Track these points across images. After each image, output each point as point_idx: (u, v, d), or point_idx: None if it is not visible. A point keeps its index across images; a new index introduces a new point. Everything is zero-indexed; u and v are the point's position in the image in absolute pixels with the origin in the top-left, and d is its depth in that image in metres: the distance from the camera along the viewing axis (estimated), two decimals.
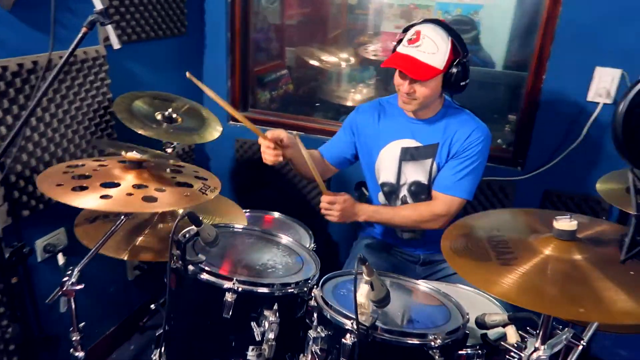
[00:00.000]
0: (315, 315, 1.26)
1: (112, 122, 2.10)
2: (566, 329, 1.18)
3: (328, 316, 1.20)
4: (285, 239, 1.57)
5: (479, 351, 1.30)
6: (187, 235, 1.15)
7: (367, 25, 2.95)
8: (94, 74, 1.99)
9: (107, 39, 1.57)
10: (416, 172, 1.81)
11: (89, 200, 1.21)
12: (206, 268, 1.25)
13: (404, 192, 1.85)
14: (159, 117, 1.97)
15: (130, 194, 1.26)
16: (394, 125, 1.84)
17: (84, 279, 1.67)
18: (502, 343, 1.36)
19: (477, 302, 1.62)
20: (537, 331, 1.11)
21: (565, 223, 0.99)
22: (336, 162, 1.98)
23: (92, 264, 1.43)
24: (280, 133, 1.67)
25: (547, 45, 2.15)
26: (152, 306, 2.47)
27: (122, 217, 1.38)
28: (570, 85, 2.16)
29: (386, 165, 1.85)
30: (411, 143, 1.80)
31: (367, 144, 1.89)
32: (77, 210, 1.82)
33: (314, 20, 3.12)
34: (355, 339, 1.11)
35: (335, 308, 1.19)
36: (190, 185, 1.37)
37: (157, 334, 1.39)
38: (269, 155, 1.65)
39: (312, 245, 1.92)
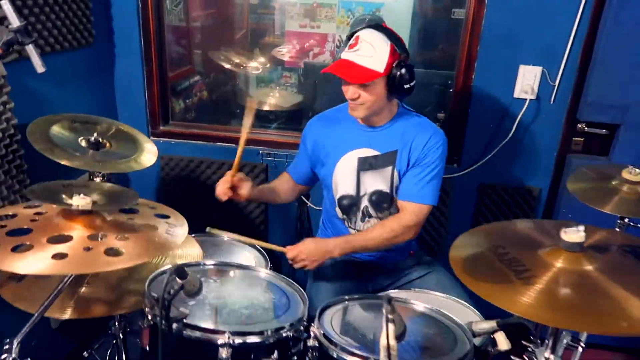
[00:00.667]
0: (314, 354, 1.16)
1: (20, 151, 1.80)
2: (564, 332, 1.21)
3: (335, 355, 1.11)
4: (263, 272, 1.44)
5: None
6: (172, 291, 0.99)
7: (271, 25, 2.87)
8: None
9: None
10: (376, 182, 1.76)
11: (38, 263, 0.99)
12: (193, 323, 1.09)
13: (364, 202, 1.80)
14: (83, 143, 1.71)
15: (88, 248, 1.06)
16: (348, 136, 1.78)
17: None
18: (492, 349, 1.38)
19: (450, 306, 1.63)
20: (546, 341, 1.12)
21: (574, 235, 1.00)
22: (303, 180, 1.94)
23: (8, 317, 1.24)
24: (245, 185, 1.74)
25: (475, 46, 2.23)
26: (85, 354, 2.18)
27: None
28: (498, 84, 2.26)
29: (344, 177, 1.79)
30: (368, 152, 1.75)
31: (322, 157, 1.83)
32: None
33: (219, 22, 2.98)
34: None
35: (346, 348, 1.11)
36: (155, 228, 1.20)
37: None
38: (220, 189, 1.72)
39: (270, 266, 1.81)
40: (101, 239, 1.10)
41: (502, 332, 1.36)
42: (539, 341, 1.16)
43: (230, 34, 2.98)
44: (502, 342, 1.34)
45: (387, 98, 1.67)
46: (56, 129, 1.68)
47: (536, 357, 1.12)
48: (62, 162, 1.57)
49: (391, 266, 1.92)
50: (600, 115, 2.20)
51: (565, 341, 1.16)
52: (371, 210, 1.80)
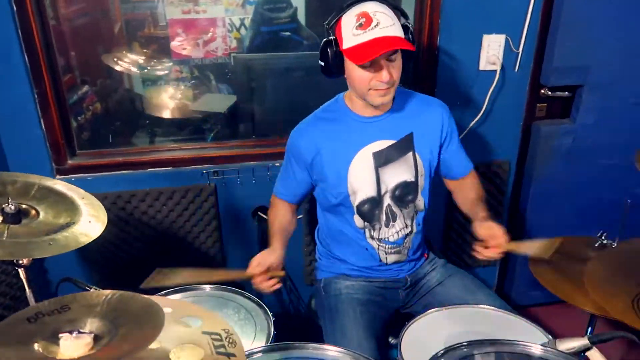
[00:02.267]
0: None
1: None
2: None
3: None
4: (331, 350, 1.09)
5: None
6: None
7: (149, 15, 2.45)
8: None
9: None
10: (399, 174, 1.57)
11: None
12: None
13: (387, 201, 1.58)
14: None
15: None
16: (353, 134, 1.55)
17: None
18: None
19: (505, 320, 1.46)
20: None
21: None
22: (300, 200, 1.73)
23: None
24: (266, 260, 1.49)
25: (436, 20, 2.03)
26: None
27: None
28: (463, 57, 2.10)
29: (361, 180, 1.55)
30: (383, 144, 1.55)
31: (328, 167, 1.55)
32: None
33: (93, 18, 2.44)
34: None
35: None
36: (200, 345, 0.80)
37: None
38: (268, 288, 1.47)
39: (272, 318, 1.49)
40: None
41: (596, 349, 1.21)
42: None
43: (107, 30, 2.47)
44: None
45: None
46: None
47: None
48: None
49: (411, 277, 1.71)
50: (563, 78, 2.14)
51: None
52: (395, 209, 1.58)
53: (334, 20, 1.44)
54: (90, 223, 1.28)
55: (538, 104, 2.25)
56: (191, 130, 2.40)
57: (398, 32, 1.39)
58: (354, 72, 1.44)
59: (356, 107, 1.57)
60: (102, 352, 0.71)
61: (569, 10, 2.00)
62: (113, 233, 2.08)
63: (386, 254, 1.65)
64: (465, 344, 1.12)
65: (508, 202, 2.41)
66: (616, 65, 2.11)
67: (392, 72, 1.41)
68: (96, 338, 0.74)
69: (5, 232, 1.18)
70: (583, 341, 1.20)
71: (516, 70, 2.14)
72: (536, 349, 1.12)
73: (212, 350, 0.80)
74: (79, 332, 0.72)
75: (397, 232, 1.62)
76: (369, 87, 1.43)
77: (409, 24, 1.46)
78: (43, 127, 1.92)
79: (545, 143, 2.22)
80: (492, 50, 2.08)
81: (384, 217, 1.60)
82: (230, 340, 0.83)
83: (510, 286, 2.54)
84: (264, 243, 2.21)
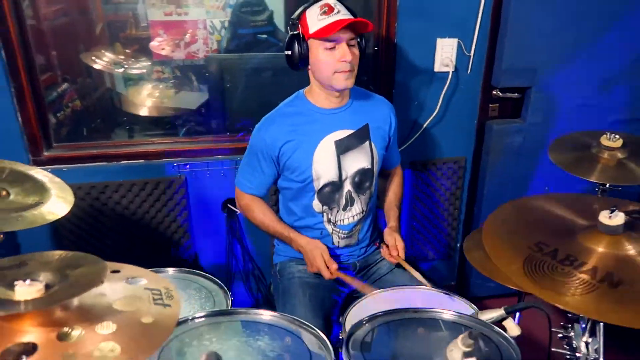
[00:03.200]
0: None
1: None
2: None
3: None
4: (267, 314, 1.22)
5: None
6: None
7: (131, 16, 2.55)
8: None
9: None
10: (357, 160, 1.74)
11: None
12: None
13: (347, 187, 1.74)
14: None
15: (68, 356, 0.76)
16: (315, 125, 1.70)
17: None
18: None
19: (440, 298, 1.58)
20: (582, 324, 1.10)
21: (614, 219, 0.97)
22: (267, 192, 1.86)
23: None
24: (325, 251, 1.70)
25: (393, 23, 2.17)
26: None
27: None
28: (419, 59, 2.24)
29: (323, 165, 1.69)
30: (343, 133, 1.71)
31: (294, 156, 1.69)
32: None
33: (73, 18, 2.54)
34: None
35: None
36: (139, 298, 0.92)
37: None
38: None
39: (230, 297, 1.60)
40: (78, 336, 0.80)
41: (511, 318, 1.34)
42: (569, 326, 1.14)
43: (88, 30, 2.57)
44: (513, 329, 1.32)
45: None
46: None
47: (577, 346, 1.09)
48: None
49: (360, 263, 1.85)
50: (512, 80, 2.30)
51: (602, 323, 1.14)
52: (354, 195, 1.74)
53: (299, 14, 1.60)
54: (60, 201, 1.39)
55: (490, 104, 2.40)
56: (165, 126, 2.51)
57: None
58: (319, 57, 1.59)
59: (317, 100, 1.71)
60: (51, 296, 0.83)
61: (516, 17, 2.15)
62: (87, 223, 2.19)
63: (339, 238, 1.78)
64: (381, 313, 1.24)
65: (466, 195, 2.55)
66: (562, 68, 2.27)
67: (353, 51, 1.58)
68: (47, 286, 0.85)
69: None
70: (500, 312, 1.33)
71: (469, 72, 2.29)
72: (447, 315, 1.25)
73: (150, 301, 0.92)
74: (32, 280, 0.84)
75: (353, 217, 1.76)
76: (334, 70, 1.59)
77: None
78: (20, 119, 2.03)
79: (497, 141, 2.37)
80: (445, 53, 2.22)
81: (343, 201, 1.74)
82: (169, 295, 0.95)
83: (469, 279, 2.67)
84: (232, 233, 2.34)
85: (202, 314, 1.22)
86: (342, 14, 1.55)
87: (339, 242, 1.79)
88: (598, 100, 2.35)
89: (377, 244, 1.90)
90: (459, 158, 2.46)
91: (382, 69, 2.24)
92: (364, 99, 1.79)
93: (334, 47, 1.57)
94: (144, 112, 2.62)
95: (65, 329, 0.83)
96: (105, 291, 0.94)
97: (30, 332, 0.81)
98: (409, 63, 2.23)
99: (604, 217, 0.99)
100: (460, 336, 0.91)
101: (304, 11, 1.60)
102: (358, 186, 1.75)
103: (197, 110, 2.45)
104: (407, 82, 2.26)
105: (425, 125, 2.32)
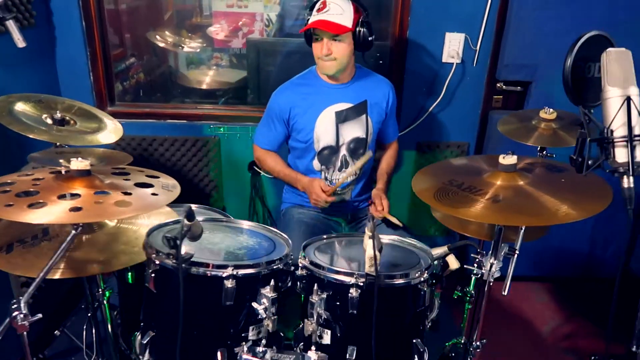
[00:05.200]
0: (303, 282, 1.35)
1: None
2: (502, 244, 1.48)
3: (325, 278, 1.30)
4: (246, 223, 1.59)
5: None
6: (182, 232, 1.12)
7: (197, 6, 2.94)
8: None
9: None
10: (354, 130, 2.03)
11: (58, 215, 1.08)
12: (199, 261, 1.23)
13: (343, 151, 2.06)
14: (48, 120, 1.75)
15: (99, 202, 1.15)
16: (321, 96, 2.02)
17: None
18: (446, 270, 1.63)
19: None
20: (491, 251, 1.37)
21: (508, 159, 1.25)
22: (278, 147, 2.16)
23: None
24: (323, 184, 2.00)
25: (406, 17, 2.47)
26: (57, 332, 2.22)
27: (73, 231, 1.25)
28: (428, 50, 2.52)
29: (323, 130, 2.01)
30: (343, 106, 2.00)
31: (300, 119, 2.02)
32: None
33: (146, 4, 3.00)
34: (361, 291, 1.24)
35: (332, 269, 1.30)
36: (151, 185, 1.30)
37: (143, 342, 1.30)
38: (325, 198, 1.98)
39: None
40: (106, 194, 1.19)
41: (452, 254, 1.62)
42: (484, 252, 1.42)
43: (159, 15, 3.01)
44: (453, 263, 1.60)
45: (353, 53, 1.94)
46: (19, 107, 1.70)
47: (484, 265, 1.37)
48: (31, 136, 1.61)
49: (352, 215, 2.16)
50: (515, 74, 2.52)
51: (503, 251, 1.42)
52: (348, 158, 2.05)
53: (311, 4, 1.93)
54: (109, 133, 1.83)
55: (495, 96, 2.64)
56: (208, 95, 2.92)
57: (342, 20, 1.82)
58: (312, 44, 1.92)
59: (324, 76, 2.04)
60: (92, 169, 1.23)
61: (520, 16, 2.39)
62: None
63: (335, 193, 2.10)
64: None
65: None
66: (561, 65, 2.47)
67: (331, 48, 1.86)
68: (91, 165, 1.26)
69: (54, 129, 1.74)
70: (444, 249, 1.61)
71: (474, 65, 2.54)
72: (384, 239, 1.56)
73: (159, 186, 1.30)
74: (82, 159, 1.24)
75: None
76: (318, 57, 1.93)
77: (363, 16, 1.88)
78: (91, 78, 2.52)
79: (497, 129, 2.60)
80: (452, 46, 2.50)
81: (338, 163, 2.07)
82: (174, 187, 1.33)
83: None
84: (254, 191, 2.71)
85: (202, 217, 1.59)
86: (329, 14, 1.81)
87: (335, 195, 2.11)
88: None
89: (371, 202, 2.19)
90: (462, 143, 2.71)
91: (394, 57, 2.54)
92: (366, 78, 2.08)
93: (319, 39, 1.87)
94: (195, 85, 3.04)
95: (101, 190, 1.22)
96: (131, 179, 1.33)
97: (77, 189, 1.22)
98: (419, 53, 2.52)
99: (501, 158, 1.27)
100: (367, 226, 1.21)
101: (314, 3, 1.90)
102: (353, 152, 2.06)
103: (235, 84, 2.85)
104: (416, 69, 2.55)
105: (430, 110, 2.60)
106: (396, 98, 2.16)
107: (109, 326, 1.77)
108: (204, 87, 2.98)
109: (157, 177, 1.37)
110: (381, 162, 2.24)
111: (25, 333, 1.26)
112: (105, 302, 1.72)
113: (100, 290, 1.70)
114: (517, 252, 1.45)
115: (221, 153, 2.68)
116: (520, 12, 2.38)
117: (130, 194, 1.22)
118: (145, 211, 1.16)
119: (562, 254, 2.88)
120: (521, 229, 1.44)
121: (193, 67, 3.03)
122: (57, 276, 1.40)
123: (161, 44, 2.97)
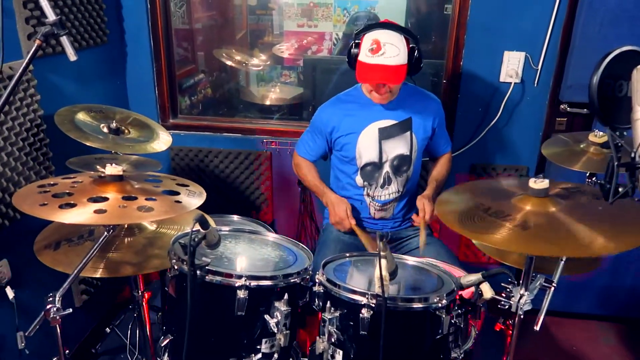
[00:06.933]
0: (320, 299, 1.33)
1: (46, 140, 1.97)
2: (538, 275, 1.37)
3: (338, 296, 1.28)
4: (271, 235, 1.61)
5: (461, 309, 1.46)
6: (196, 239, 1.15)
7: (269, 26, 3.04)
8: (23, 90, 1.85)
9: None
10: (397, 147, 2.00)
11: (82, 216, 1.16)
12: (214, 269, 1.26)
13: (386, 168, 2.03)
14: (104, 129, 1.88)
15: (123, 206, 1.22)
16: (365, 112, 2.01)
17: (29, 316, 1.60)
18: (479, 299, 1.54)
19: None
20: (520, 281, 1.28)
21: (539, 184, 1.16)
22: (317, 159, 2.20)
23: (33, 297, 1.43)
24: (348, 207, 2.01)
25: (462, 36, 2.40)
26: (107, 329, 2.35)
27: (105, 232, 1.33)
28: (485, 69, 2.43)
29: (366, 147, 2.01)
30: (387, 123, 1.99)
31: (342, 135, 2.03)
32: (20, 240, 1.73)
33: (219, 23, 3.15)
34: (372, 312, 1.20)
35: (347, 287, 1.27)
36: (177, 193, 1.36)
37: (161, 344, 1.36)
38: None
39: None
40: (133, 199, 1.26)
41: (486, 282, 1.52)
42: (515, 282, 1.32)
43: (231, 34, 3.16)
44: (487, 291, 1.50)
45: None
46: (80, 117, 1.85)
47: (513, 295, 1.28)
48: (87, 143, 1.74)
49: (392, 234, 2.12)
50: (580, 95, 2.36)
51: (539, 283, 1.32)
52: (391, 175, 2.03)
53: (359, 34, 1.90)
54: (160, 143, 1.93)
55: (558, 118, 2.48)
56: (263, 110, 3.01)
57: (397, 61, 1.78)
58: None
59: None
60: (125, 174, 1.30)
61: (585, 34, 2.24)
62: (190, 178, 2.74)
63: (375, 210, 2.08)
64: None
65: None
66: None
67: (390, 85, 1.86)
68: (124, 171, 1.34)
69: (110, 137, 1.87)
70: (477, 276, 1.52)
71: (535, 85, 2.41)
72: (410, 261, 1.50)
73: (185, 193, 1.35)
74: (116, 165, 1.32)
75: (389, 194, 2.06)
76: (370, 90, 1.94)
77: (412, 42, 1.85)
78: (156, 92, 2.69)
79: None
80: (511, 65, 2.39)
81: (381, 180, 2.04)
82: (200, 193, 1.37)
83: None
84: (305, 203, 2.74)
85: (227, 228, 1.62)
86: (385, 57, 1.76)
87: (374, 213, 2.08)
88: None
89: (413, 223, 2.13)
90: (520, 167, 2.57)
91: (449, 75, 2.48)
92: (412, 95, 2.04)
93: None
94: (256, 100, 3.15)
95: (129, 195, 1.29)
96: (161, 186, 1.40)
97: (108, 193, 1.29)
98: (475, 71, 2.44)
99: (532, 182, 1.18)
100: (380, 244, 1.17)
101: (363, 33, 1.84)
102: (396, 169, 2.03)
103: (290, 100, 2.91)
104: (471, 88, 2.46)
105: (486, 130, 2.49)
106: (444, 113, 2.11)
107: (147, 327, 1.85)
108: (267, 103, 3.08)
109: (187, 186, 1.43)
110: (432, 171, 2.19)
111: (57, 326, 1.34)
112: (143, 303, 1.81)
113: (139, 292, 1.78)
114: (554, 284, 1.34)
115: (272, 167, 2.74)
116: (587, 29, 2.24)
117: (154, 199, 1.28)
118: (165, 216, 1.22)
119: (635, 292, 2.62)
120: (561, 260, 1.33)
121: (263, 84, 3.14)
122: (97, 275, 1.49)
123: (227, 62, 3.11)
